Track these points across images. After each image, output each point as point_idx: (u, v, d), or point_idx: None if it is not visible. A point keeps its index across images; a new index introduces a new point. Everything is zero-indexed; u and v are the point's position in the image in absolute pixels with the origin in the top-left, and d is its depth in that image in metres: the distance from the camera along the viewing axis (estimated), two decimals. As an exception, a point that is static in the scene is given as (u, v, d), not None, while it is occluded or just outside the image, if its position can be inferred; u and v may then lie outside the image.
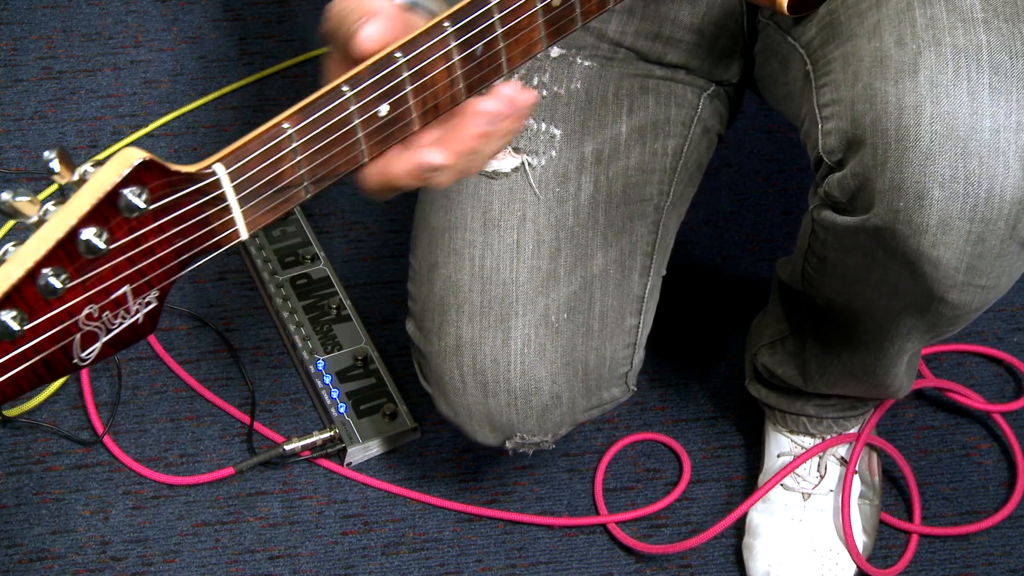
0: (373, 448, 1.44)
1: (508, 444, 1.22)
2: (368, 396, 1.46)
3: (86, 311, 0.69)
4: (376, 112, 0.79)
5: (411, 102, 0.81)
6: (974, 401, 1.50)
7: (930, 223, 0.96)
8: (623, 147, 1.22)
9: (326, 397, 1.45)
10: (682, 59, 1.25)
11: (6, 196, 0.68)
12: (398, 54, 0.79)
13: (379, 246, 1.61)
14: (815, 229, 1.11)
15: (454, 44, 0.81)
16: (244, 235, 0.76)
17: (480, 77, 0.84)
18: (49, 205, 0.69)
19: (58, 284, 0.67)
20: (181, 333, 1.52)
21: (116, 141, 1.67)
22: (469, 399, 1.19)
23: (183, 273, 0.74)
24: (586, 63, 1.23)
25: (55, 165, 0.69)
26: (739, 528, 1.41)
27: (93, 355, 0.71)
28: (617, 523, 1.41)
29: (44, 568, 1.35)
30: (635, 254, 1.23)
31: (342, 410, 1.44)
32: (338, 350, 1.48)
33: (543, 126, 1.20)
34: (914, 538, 1.42)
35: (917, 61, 0.95)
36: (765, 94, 1.26)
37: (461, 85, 0.83)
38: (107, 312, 0.70)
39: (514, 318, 1.17)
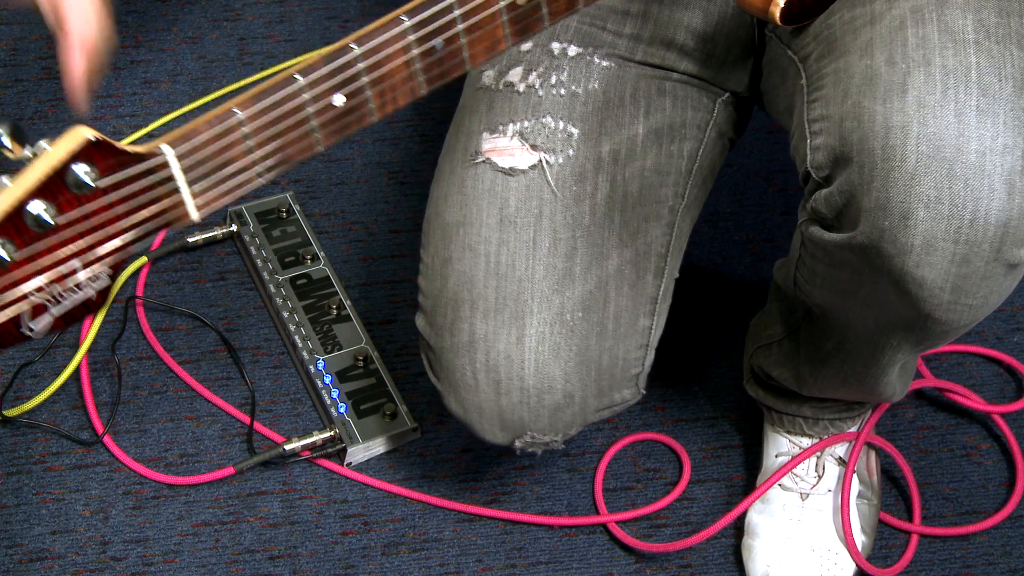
0: (373, 448, 1.44)
1: (517, 443, 1.22)
2: (368, 396, 1.46)
3: (35, 283, 0.71)
4: (331, 102, 0.80)
5: (368, 93, 0.81)
6: (974, 402, 1.50)
7: (914, 243, 0.96)
8: (640, 148, 1.22)
9: (326, 397, 1.45)
10: (694, 69, 1.25)
11: None
12: (353, 45, 0.80)
13: (379, 246, 1.61)
14: (804, 242, 1.11)
15: (413, 38, 0.81)
16: (194, 215, 0.77)
17: (441, 72, 0.84)
18: (3, 179, 0.70)
19: (5, 255, 0.69)
20: (181, 333, 1.52)
21: (116, 141, 1.66)
22: (480, 396, 1.19)
23: (134, 250, 0.75)
24: (604, 63, 1.23)
25: (6, 140, 0.71)
26: (739, 528, 1.41)
27: (43, 327, 0.72)
28: (617, 523, 1.41)
29: (44, 568, 1.35)
30: (650, 255, 1.23)
31: (342, 410, 1.44)
32: (338, 350, 1.48)
33: (561, 124, 1.20)
34: (914, 538, 1.42)
35: (906, 81, 0.95)
36: (768, 107, 1.26)
37: (421, 78, 0.83)
38: (56, 285, 0.72)
39: (529, 316, 1.16)
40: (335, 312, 1.51)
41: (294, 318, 1.50)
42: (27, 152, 0.71)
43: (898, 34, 0.98)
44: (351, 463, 1.44)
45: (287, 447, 1.42)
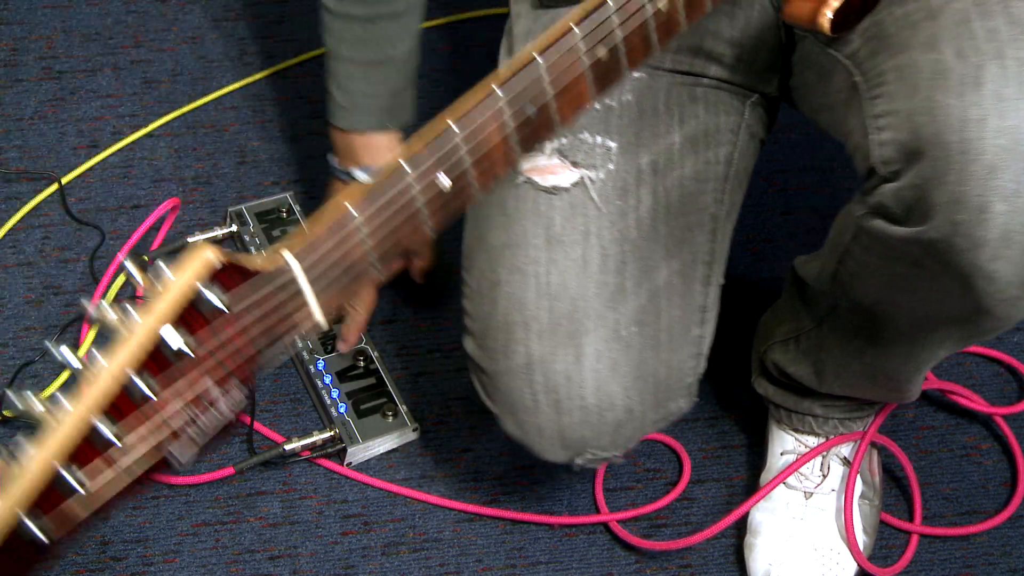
0: (373, 448, 1.44)
1: (578, 460, 1.21)
2: (368, 396, 1.45)
3: (177, 413, 0.69)
4: (438, 187, 0.79)
5: (471, 171, 0.81)
6: (976, 403, 1.50)
7: (990, 237, 0.95)
8: (677, 157, 1.22)
9: (326, 397, 1.45)
10: (724, 74, 1.24)
11: (91, 309, 0.68)
12: (454, 127, 0.79)
13: (379, 246, 1.61)
14: (859, 235, 1.10)
15: (508, 110, 0.81)
16: (320, 320, 0.76)
17: (534, 137, 0.84)
18: (132, 312, 0.68)
19: (148, 390, 0.67)
20: (181, 333, 1.52)
21: (116, 141, 1.67)
22: (540, 418, 1.18)
23: (263, 364, 0.74)
24: (634, 73, 1.22)
25: (135, 272, 0.69)
26: (739, 527, 1.41)
27: (189, 456, 0.71)
28: (617, 522, 1.41)
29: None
30: (696, 264, 1.23)
31: (342, 410, 1.44)
32: (336, 352, 1.48)
33: (599, 139, 1.19)
34: (914, 538, 1.42)
35: (980, 74, 0.95)
36: (800, 103, 1.25)
37: (516, 147, 0.83)
38: (197, 411, 0.70)
39: (585, 334, 1.16)
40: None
41: (294, 318, 1.50)
42: (153, 281, 0.69)
43: (964, 28, 0.97)
44: (351, 463, 1.44)
45: (287, 447, 1.42)
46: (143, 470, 0.68)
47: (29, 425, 0.63)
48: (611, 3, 0.85)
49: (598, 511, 1.42)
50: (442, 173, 0.79)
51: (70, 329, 1.50)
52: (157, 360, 0.68)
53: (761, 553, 1.37)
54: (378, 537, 1.40)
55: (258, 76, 1.75)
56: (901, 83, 1.00)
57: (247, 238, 1.56)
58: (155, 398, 0.68)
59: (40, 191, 1.62)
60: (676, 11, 0.89)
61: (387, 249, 0.78)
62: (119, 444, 0.66)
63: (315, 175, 1.66)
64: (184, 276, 0.69)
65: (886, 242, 1.05)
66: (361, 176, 1.35)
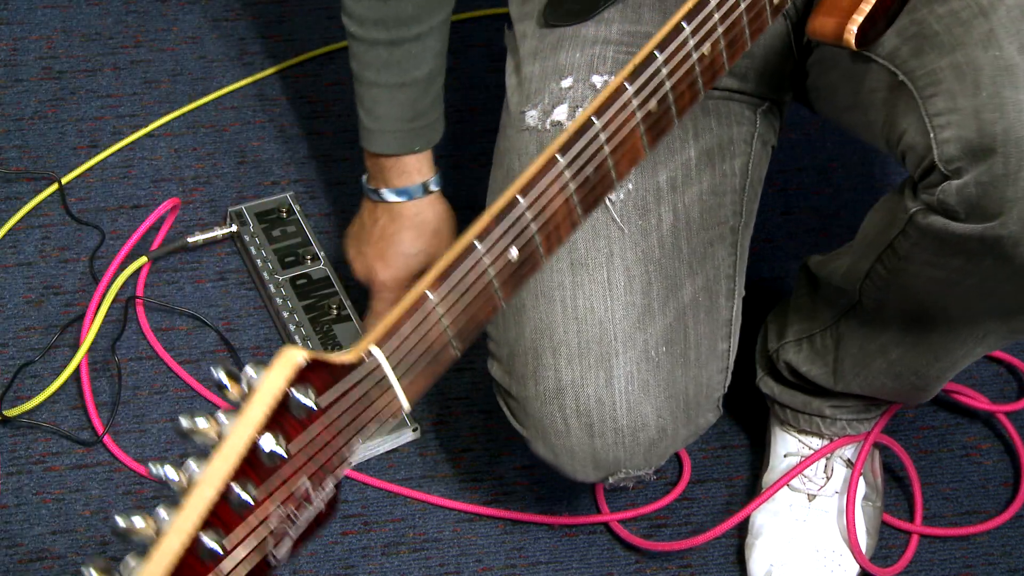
0: (373, 448, 1.44)
1: (610, 479, 1.22)
2: (368, 396, 1.45)
3: (275, 514, 0.70)
4: (508, 258, 0.81)
5: (537, 239, 0.83)
6: (979, 402, 1.50)
7: None
8: (694, 172, 1.22)
9: (326, 397, 1.44)
10: (735, 84, 1.24)
11: (185, 422, 0.68)
12: (521, 199, 0.81)
13: (379, 246, 1.61)
14: (908, 231, 1.08)
15: (569, 175, 0.83)
16: (406, 406, 0.78)
17: (595, 197, 0.86)
18: (224, 420, 0.69)
19: (248, 497, 0.68)
20: (181, 333, 1.52)
21: (116, 141, 1.67)
22: (572, 440, 1.18)
23: (352, 453, 0.75)
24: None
25: (226, 381, 0.70)
26: (740, 527, 1.41)
27: (285, 552, 0.72)
28: (617, 521, 1.41)
29: (44, 568, 1.35)
30: (719, 279, 1.23)
31: (342, 410, 1.44)
32: (338, 350, 1.48)
33: None
34: (914, 538, 1.42)
35: None
36: (819, 104, 1.25)
37: (579, 209, 0.85)
38: (293, 509, 0.71)
39: (615, 356, 1.16)
40: (335, 312, 1.51)
41: (294, 318, 1.50)
42: (243, 386, 0.69)
43: (1023, 23, 0.97)
44: (351, 463, 1.43)
45: (287, 447, 1.41)
46: (246, 572, 0.69)
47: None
48: (659, 56, 0.87)
49: (598, 511, 1.42)
50: (512, 246, 0.81)
51: (70, 329, 1.50)
52: (254, 466, 0.68)
53: (762, 554, 1.37)
54: (378, 537, 1.40)
55: (258, 76, 1.75)
56: (960, 81, 0.99)
57: (247, 238, 1.56)
58: (255, 504, 0.68)
59: (40, 191, 1.62)
60: (719, 54, 0.91)
61: (463, 326, 0.80)
62: (223, 553, 0.67)
63: (315, 175, 1.66)
64: (275, 381, 0.69)
65: (943, 238, 1.04)
66: (391, 197, 1.37)
